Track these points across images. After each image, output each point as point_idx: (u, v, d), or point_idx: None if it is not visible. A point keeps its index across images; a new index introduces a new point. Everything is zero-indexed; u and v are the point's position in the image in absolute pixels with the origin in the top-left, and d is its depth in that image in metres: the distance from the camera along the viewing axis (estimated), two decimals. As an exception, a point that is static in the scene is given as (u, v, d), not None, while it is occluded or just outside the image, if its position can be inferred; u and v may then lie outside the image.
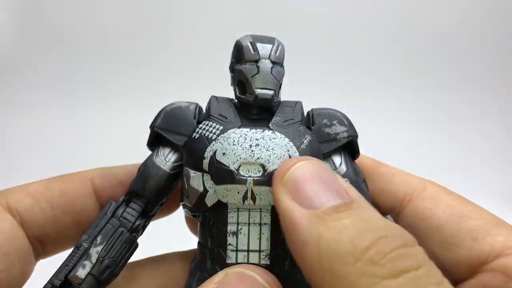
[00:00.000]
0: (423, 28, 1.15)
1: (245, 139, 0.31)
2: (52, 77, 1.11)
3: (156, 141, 0.35)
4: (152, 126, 0.34)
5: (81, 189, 0.36)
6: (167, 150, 0.34)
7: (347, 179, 0.32)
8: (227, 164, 0.30)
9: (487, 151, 1.10)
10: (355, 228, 0.23)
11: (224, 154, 0.31)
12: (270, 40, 0.33)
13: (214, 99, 0.35)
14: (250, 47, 0.32)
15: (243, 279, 0.28)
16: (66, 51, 1.11)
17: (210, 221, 0.32)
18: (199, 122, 0.34)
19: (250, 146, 0.31)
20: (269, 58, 0.32)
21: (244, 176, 0.30)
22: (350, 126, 0.35)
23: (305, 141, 0.32)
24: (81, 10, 1.11)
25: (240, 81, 0.33)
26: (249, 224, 0.31)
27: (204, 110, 0.35)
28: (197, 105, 0.35)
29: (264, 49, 0.32)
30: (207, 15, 1.12)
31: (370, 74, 1.12)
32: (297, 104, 0.35)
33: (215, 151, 0.31)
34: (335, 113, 0.35)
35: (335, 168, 0.33)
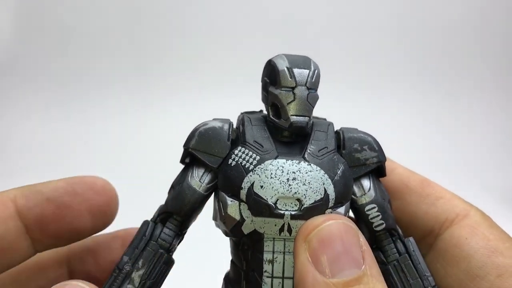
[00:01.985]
0: (428, 30, 1.16)
1: (282, 172, 0.32)
2: (52, 77, 1.11)
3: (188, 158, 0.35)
4: (186, 147, 0.34)
5: (1, 212, 0.33)
6: (201, 171, 0.34)
7: (374, 205, 0.34)
8: (265, 198, 0.31)
9: (488, 152, 1.10)
10: None
11: (262, 187, 0.31)
12: (306, 65, 0.33)
13: (248, 121, 0.35)
14: (287, 73, 0.32)
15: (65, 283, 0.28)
16: (67, 51, 1.11)
17: (245, 246, 0.33)
18: (233, 142, 0.34)
19: (287, 180, 0.31)
20: (305, 85, 0.32)
21: (281, 210, 0.31)
22: (380, 151, 0.35)
23: (338, 172, 0.33)
24: (82, 10, 1.11)
25: (274, 104, 0.33)
26: (284, 253, 0.32)
27: (234, 126, 0.36)
28: (230, 124, 0.35)
29: (301, 75, 0.33)
30: (209, 16, 1.12)
31: (375, 73, 1.13)
32: (329, 128, 0.35)
33: (253, 183, 0.31)
34: (366, 138, 0.35)
35: (364, 192, 0.34)
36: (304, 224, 0.29)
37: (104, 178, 0.36)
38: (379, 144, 0.35)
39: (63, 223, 0.34)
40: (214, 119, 0.36)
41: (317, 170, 0.32)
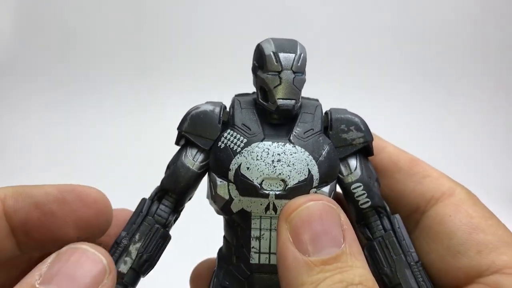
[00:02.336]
0: (427, 29, 1.15)
1: (268, 154, 0.33)
2: (52, 77, 1.10)
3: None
4: (180, 130, 0.36)
5: None
6: (194, 150, 0.35)
7: (360, 183, 0.35)
8: (251, 179, 0.33)
9: (488, 152, 1.10)
10: (332, 283, 0.26)
11: (248, 168, 0.33)
12: (292, 49, 0.34)
13: (237, 104, 0.36)
14: (273, 57, 0.33)
15: (71, 251, 0.28)
16: (67, 52, 1.11)
17: (235, 223, 0.35)
18: (224, 124, 0.35)
19: (272, 161, 0.33)
20: (291, 68, 0.33)
21: (266, 191, 0.33)
22: (367, 131, 0.36)
23: (323, 153, 0.34)
24: (82, 11, 1.11)
25: (262, 88, 0.34)
26: (270, 230, 0.34)
27: (227, 109, 0.37)
28: (221, 107, 0.36)
29: (286, 59, 0.33)
30: (209, 18, 1.12)
31: (375, 73, 1.12)
32: (317, 109, 0.36)
33: (240, 164, 0.33)
34: (353, 119, 0.36)
35: (350, 172, 0.35)
36: (286, 205, 0.30)
37: (99, 189, 0.35)
38: (366, 125, 0.36)
39: (47, 231, 0.33)
40: (207, 102, 0.37)
41: (301, 152, 0.33)
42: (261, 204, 0.33)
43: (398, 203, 0.38)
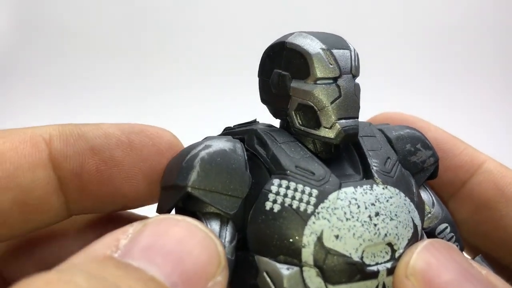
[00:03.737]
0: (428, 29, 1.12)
1: (359, 206, 0.22)
2: (52, 77, 1.07)
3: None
4: (182, 184, 0.22)
5: (31, 155, 0.24)
6: (214, 224, 0.23)
7: (446, 224, 0.26)
8: (347, 253, 0.21)
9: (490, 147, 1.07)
10: None
11: (337, 237, 0.21)
12: (343, 43, 0.24)
13: (270, 138, 0.24)
14: (325, 57, 0.23)
15: (173, 223, 0.20)
16: (66, 51, 1.06)
17: None
18: (253, 175, 0.24)
19: (370, 217, 0.22)
20: (351, 72, 0.23)
21: (372, 266, 0.21)
22: (432, 146, 0.27)
23: (414, 190, 0.24)
24: (81, 10, 1.07)
25: (306, 107, 0.23)
26: None
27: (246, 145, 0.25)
28: (242, 144, 0.25)
29: (344, 59, 0.23)
30: (208, 13, 1.09)
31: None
32: (373, 129, 0.27)
33: (321, 232, 0.21)
34: (415, 134, 0.27)
35: (429, 211, 0.27)
36: (397, 265, 0.21)
37: (171, 132, 0.27)
38: (427, 137, 0.27)
39: (109, 185, 0.25)
40: (213, 138, 0.25)
41: (397, 194, 0.23)
42: None
43: (506, 244, 0.29)
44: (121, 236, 0.19)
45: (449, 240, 0.26)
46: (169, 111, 1.01)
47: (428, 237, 0.26)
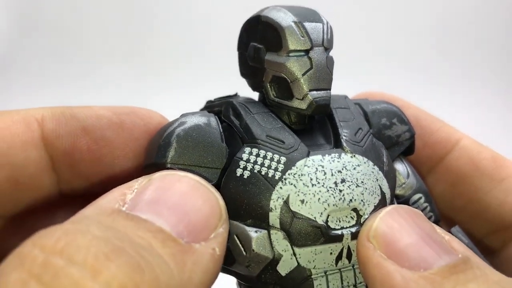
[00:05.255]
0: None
1: (325, 173, 0.23)
2: (51, 77, 1.08)
3: None
4: (161, 161, 0.23)
5: (24, 134, 0.25)
6: None
7: (420, 194, 0.27)
8: (311, 217, 0.22)
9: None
10: None
11: (303, 201, 0.22)
12: (316, 16, 0.24)
13: (244, 109, 0.25)
14: (297, 29, 0.23)
15: (176, 178, 0.21)
16: (66, 50, 1.06)
17: None
18: (229, 145, 0.24)
19: (335, 183, 0.23)
20: (322, 44, 0.24)
21: (337, 230, 0.22)
22: (409, 122, 0.28)
23: (384, 159, 0.25)
24: (81, 8, 1.06)
25: (279, 79, 0.24)
26: None
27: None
28: (216, 117, 0.25)
29: (315, 31, 0.23)
30: (206, 8, 1.09)
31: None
32: (348, 102, 0.27)
33: (287, 197, 0.22)
34: (392, 108, 0.28)
35: (403, 181, 0.27)
36: (362, 229, 0.22)
37: (163, 114, 0.28)
38: (404, 113, 0.28)
39: (99, 164, 0.26)
40: (189, 114, 0.25)
41: (365, 162, 0.24)
42: (331, 253, 0.22)
43: (479, 217, 0.30)
44: (127, 191, 0.20)
45: (423, 210, 0.27)
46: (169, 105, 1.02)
47: None
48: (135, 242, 0.17)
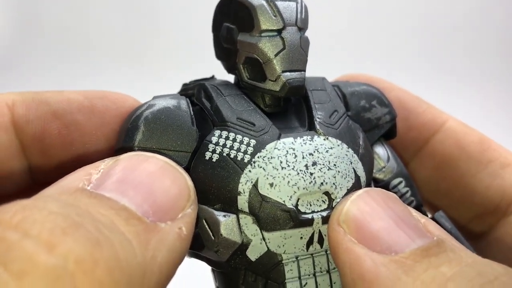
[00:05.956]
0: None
1: (296, 156, 0.22)
2: (52, 78, 1.09)
3: None
4: (129, 144, 0.23)
5: None
6: None
7: (401, 178, 0.26)
8: (281, 200, 0.21)
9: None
10: (466, 280, 0.16)
11: (272, 185, 0.21)
12: None
13: (215, 92, 0.24)
14: (268, 8, 0.22)
15: (143, 158, 0.21)
16: (66, 51, 1.06)
17: (251, 277, 0.23)
18: (200, 128, 0.24)
19: (306, 166, 0.22)
20: (296, 24, 0.23)
21: (307, 214, 0.22)
22: (390, 104, 0.27)
23: (360, 142, 0.24)
24: (81, 9, 1.05)
25: (252, 60, 0.23)
26: (315, 274, 0.22)
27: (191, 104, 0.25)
28: (187, 100, 0.25)
29: (288, 10, 0.23)
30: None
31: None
32: (326, 84, 0.26)
33: (256, 180, 0.22)
34: (372, 90, 0.27)
35: (383, 165, 0.26)
36: (332, 213, 0.21)
37: (136, 98, 0.27)
38: (385, 95, 0.27)
39: (71, 149, 0.25)
40: (159, 97, 0.25)
41: (338, 145, 0.23)
42: (301, 238, 0.22)
43: (464, 201, 0.29)
44: (93, 171, 0.20)
45: (403, 194, 0.26)
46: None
47: None
48: (95, 219, 0.17)
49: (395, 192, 0.25)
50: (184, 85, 0.28)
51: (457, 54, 1.06)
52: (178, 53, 1.06)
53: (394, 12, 1.05)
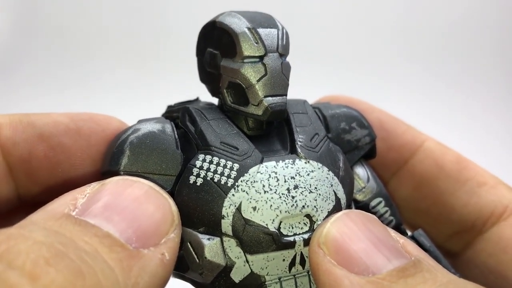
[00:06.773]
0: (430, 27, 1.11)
1: (278, 180, 0.23)
2: (53, 80, 1.08)
3: None
4: (115, 168, 0.23)
5: None
6: None
7: (380, 198, 0.27)
8: (263, 224, 0.22)
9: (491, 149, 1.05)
10: None
11: (255, 208, 0.22)
12: (270, 22, 0.24)
13: (200, 115, 0.25)
14: (250, 36, 0.23)
15: (129, 183, 0.21)
16: (65, 50, 1.04)
17: None
18: (185, 151, 0.24)
19: (288, 190, 0.23)
20: (277, 50, 0.24)
21: (289, 237, 0.22)
22: (369, 126, 0.28)
23: (341, 164, 0.25)
24: (81, 8, 1.05)
25: (234, 85, 0.24)
26: None
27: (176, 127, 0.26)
28: (172, 124, 0.25)
29: (269, 37, 0.23)
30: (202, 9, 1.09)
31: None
32: (307, 107, 0.27)
33: (239, 204, 0.22)
34: (351, 113, 0.28)
35: (363, 186, 0.27)
36: (313, 235, 0.22)
37: (120, 119, 0.27)
38: (365, 117, 0.28)
39: (57, 171, 0.26)
40: (144, 121, 0.26)
41: (319, 168, 0.24)
42: (284, 260, 0.22)
43: (442, 218, 0.30)
44: (79, 196, 0.21)
45: (383, 214, 0.27)
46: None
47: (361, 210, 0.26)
48: (79, 247, 0.18)
49: (374, 212, 0.26)
50: (169, 107, 0.28)
51: (443, 68, 1.07)
52: (178, 54, 1.06)
53: (378, 28, 1.06)
